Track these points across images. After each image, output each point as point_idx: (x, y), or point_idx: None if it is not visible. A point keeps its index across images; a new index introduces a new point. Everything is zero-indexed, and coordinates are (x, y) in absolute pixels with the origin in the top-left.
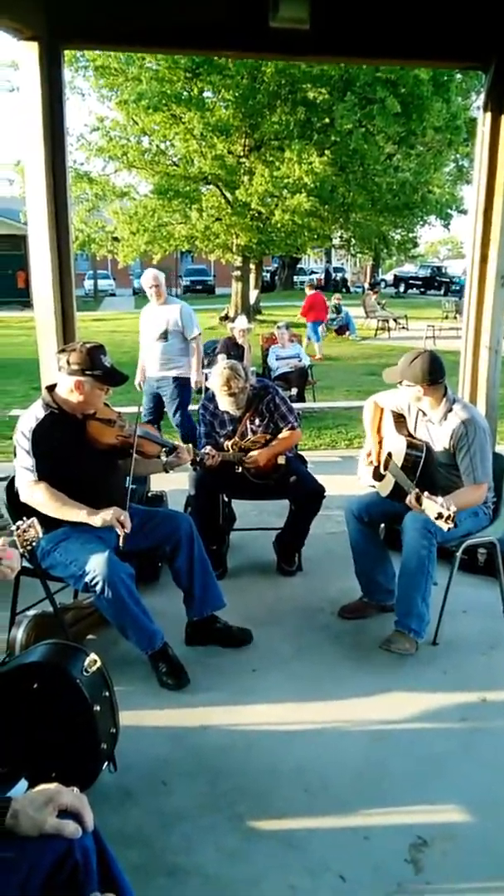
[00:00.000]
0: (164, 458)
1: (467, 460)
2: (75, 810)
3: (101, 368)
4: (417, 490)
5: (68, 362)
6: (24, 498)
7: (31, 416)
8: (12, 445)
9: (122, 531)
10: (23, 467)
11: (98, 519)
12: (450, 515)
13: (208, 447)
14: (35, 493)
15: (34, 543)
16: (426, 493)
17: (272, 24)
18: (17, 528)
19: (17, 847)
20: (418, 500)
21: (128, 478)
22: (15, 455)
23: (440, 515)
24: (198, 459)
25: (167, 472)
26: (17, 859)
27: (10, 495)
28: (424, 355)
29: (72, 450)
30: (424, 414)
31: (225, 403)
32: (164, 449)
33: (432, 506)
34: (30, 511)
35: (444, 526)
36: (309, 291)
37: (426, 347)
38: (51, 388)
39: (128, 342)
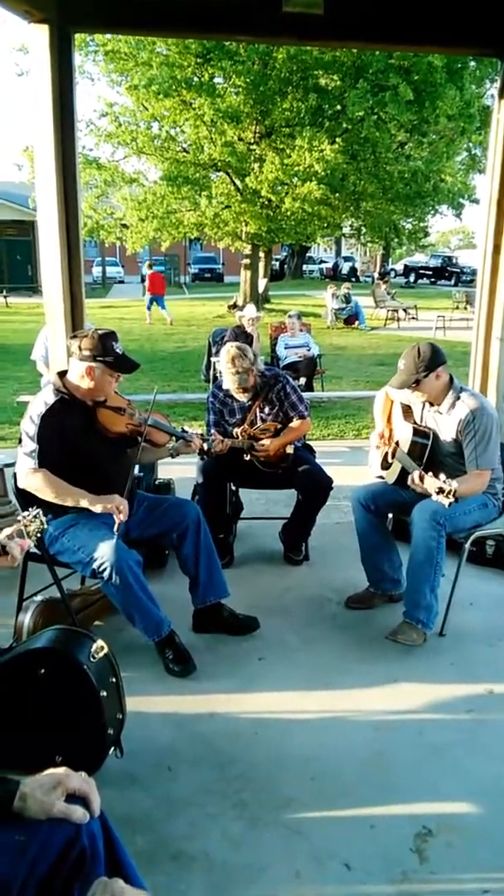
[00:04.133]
0: (171, 446)
1: (472, 446)
2: (83, 794)
3: (113, 355)
4: (421, 470)
5: (80, 348)
6: (21, 484)
7: (40, 401)
8: (20, 431)
9: (119, 518)
10: (24, 453)
11: (98, 506)
12: (450, 490)
13: (215, 433)
14: (33, 480)
15: (39, 534)
16: (429, 473)
17: (285, 9)
18: (24, 517)
19: (25, 830)
20: (421, 478)
21: (134, 466)
22: (20, 441)
23: (441, 490)
24: (205, 448)
25: (173, 457)
26: (26, 843)
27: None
28: (407, 356)
29: (80, 436)
30: (431, 404)
31: (229, 381)
32: (172, 437)
33: (433, 482)
34: (37, 500)
35: (444, 501)
36: (147, 271)
37: (417, 342)
38: (62, 374)
39: (136, 329)
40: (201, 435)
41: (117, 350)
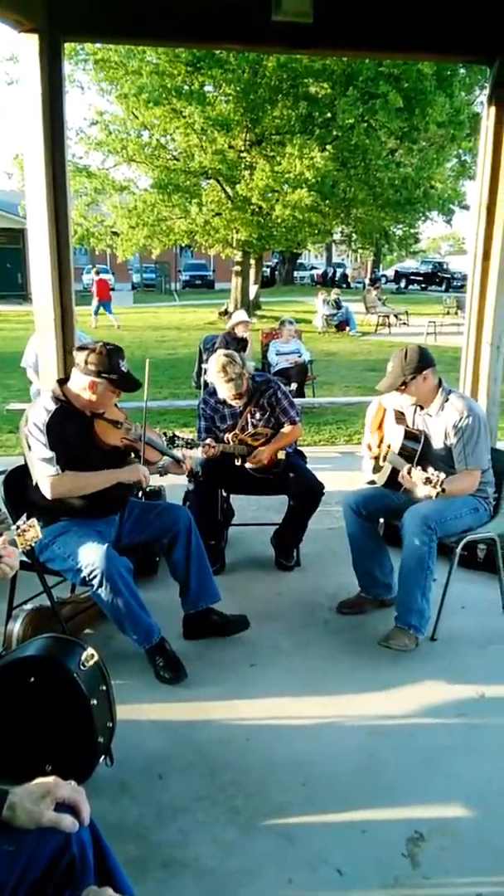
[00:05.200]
0: (161, 463)
1: (460, 446)
2: (73, 803)
3: (118, 373)
4: (410, 465)
5: (86, 361)
6: (50, 494)
7: (41, 408)
8: (12, 439)
9: (146, 483)
10: (42, 460)
11: (126, 476)
12: (438, 481)
13: (208, 440)
14: (63, 486)
15: (33, 544)
16: (418, 467)
17: (275, 18)
18: (18, 527)
19: (14, 840)
20: (409, 473)
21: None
22: (29, 447)
23: (428, 480)
24: (195, 472)
25: (161, 475)
26: (15, 853)
27: (8, 490)
28: (395, 359)
29: (78, 445)
30: (422, 407)
31: (224, 390)
32: (164, 456)
33: (420, 474)
34: (29, 508)
35: (431, 492)
36: (95, 277)
37: (406, 345)
38: (62, 382)
39: (127, 337)
40: (204, 442)
41: (122, 368)
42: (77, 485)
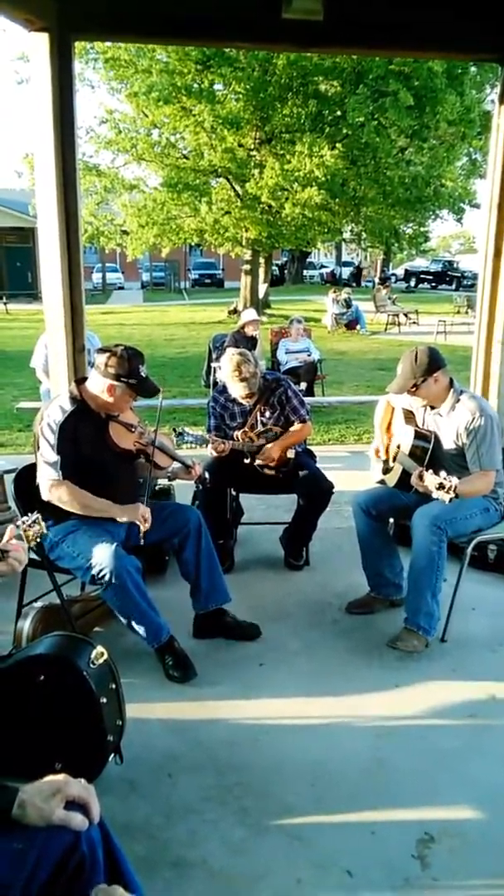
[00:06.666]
0: (171, 469)
1: (473, 448)
2: (83, 801)
3: (136, 377)
4: (421, 469)
5: (106, 364)
6: (46, 496)
7: (57, 407)
8: (22, 437)
9: (145, 526)
10: (46, 463)
11: (124, 516)
12: (451, 486)
13: (214, 436)
14: (57, 493)
15: (39, 539)
16: (430, 471)
17: (285, 16)
18: (23, 522)
19: (24, 838)
20: (421, 477)
21: (143, 482)
22: (37, 447)
23: (441, 486)
24: (205, 477)
25: (170, 480)
26: (25, 850)
27: (19, 487)
28: (405, 361)
29: (92, 445)
30: (433, 407)
31: (237, 389)
32: (174, 461)
33: (433, 479)
34: (40, 506)
35: (444, 497)
36: None
37: (416, 346)
38: (79, 382)
39: (136, 336)
40: (213, 439)
41: (142, 373)
42: (72, 498)
